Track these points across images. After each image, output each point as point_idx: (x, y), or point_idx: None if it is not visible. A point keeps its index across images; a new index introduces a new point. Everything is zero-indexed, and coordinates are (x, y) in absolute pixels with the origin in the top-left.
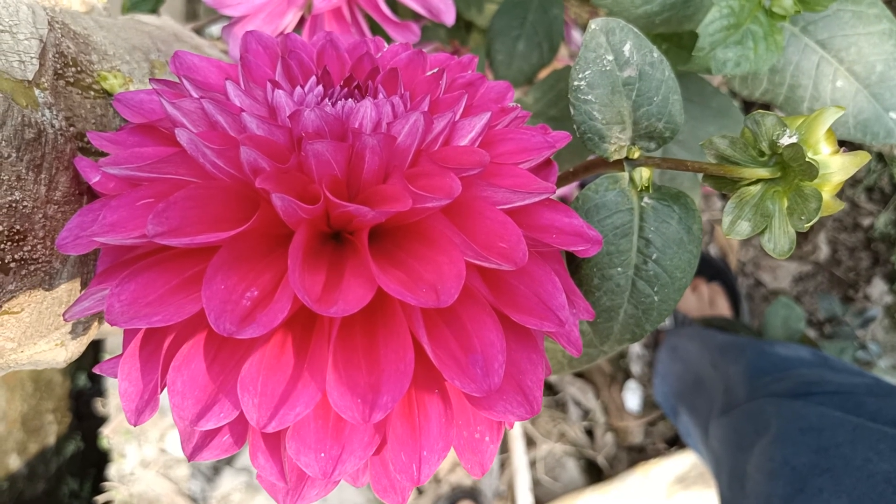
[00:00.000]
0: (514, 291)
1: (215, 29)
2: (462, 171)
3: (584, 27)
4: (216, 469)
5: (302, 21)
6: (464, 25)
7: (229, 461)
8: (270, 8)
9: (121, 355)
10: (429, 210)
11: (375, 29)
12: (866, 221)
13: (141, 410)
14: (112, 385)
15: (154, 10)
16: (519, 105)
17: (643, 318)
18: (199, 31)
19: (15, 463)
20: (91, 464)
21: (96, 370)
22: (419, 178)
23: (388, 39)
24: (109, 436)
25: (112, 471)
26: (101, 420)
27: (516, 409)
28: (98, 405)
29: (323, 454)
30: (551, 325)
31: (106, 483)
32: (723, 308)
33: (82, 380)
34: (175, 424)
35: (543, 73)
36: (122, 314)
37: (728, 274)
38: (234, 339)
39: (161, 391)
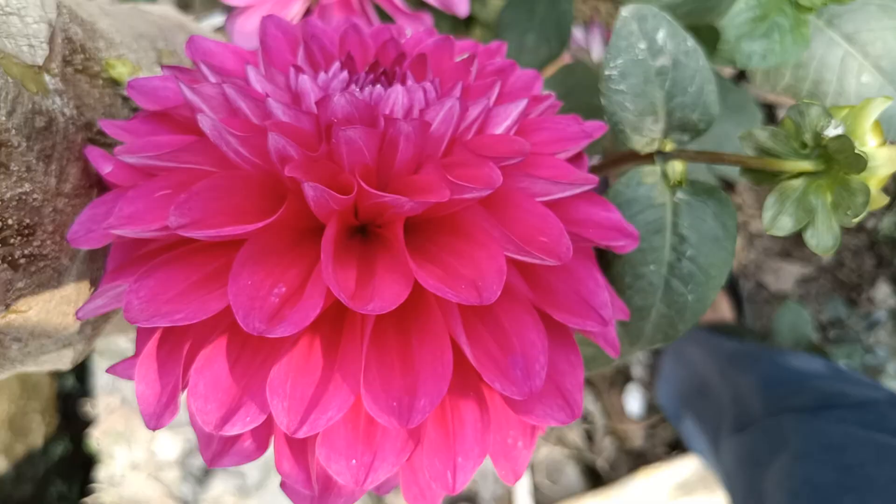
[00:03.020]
0: (554, 289)
1: (210, 22)
2: (500, 160)
3: (584, 23)
4: (207, 472)
5: (307, 13)
6: (464, 19)
7: None
8: None
9: (135, 357)
10: (466, 202)
11: (385, 20)
12: (870, 223)
13: (160, 415)
14: (100, 387)
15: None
16: (553, 93)
17: (676, 319)
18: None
19: (1, 465)
20: (79, 466)
21: (109, 371)
22: (455, 168)
23: None
24: (98, 437)
25: (101, 473)
26: (89, 422)
27: (556, 412)
28: (86, 406)
29: (354, 461)
30: (594, 324)
31: (94, 485)
32: (725, 310)
33: (70, 381)
34: (193, 429)
35: (550, 70)
36: (142, 311)
37: (730, 276)
38: (257, 340)
39: (181, 394)
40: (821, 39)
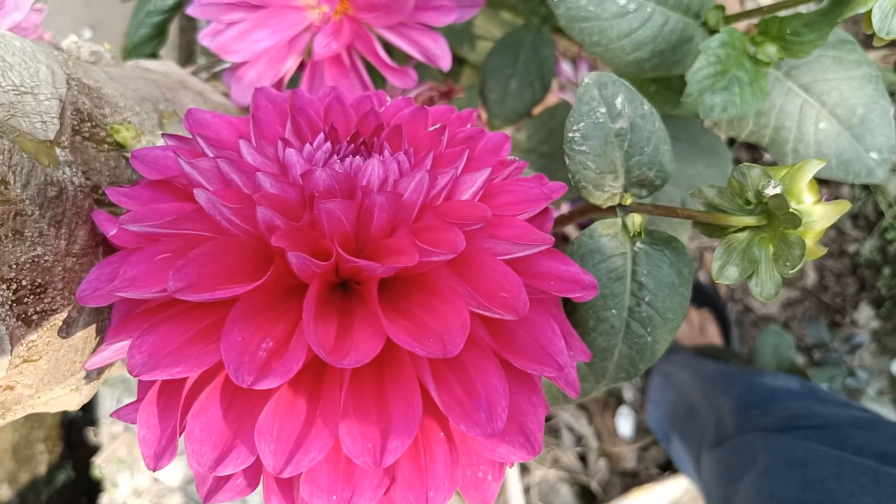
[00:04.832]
0: (515, 338)
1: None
2: (465, 225)
3: (573, 59)
4: None
5: (302, 66)
6: (455, 62)
7: None
8: (271, 54)
9: (138, 401)
10: (434, 263)
11: (373, 73)
12: (852, 248)
13: (160, 456)
14: (104, 414)
15: (154, 54)
16: (517, 158)
17: (637, 358)
18: (195, 73)
19: (5, 493)
20: (82, 493)
21: (114, 416)
22: (424, 233)
23: (384, 82)
24: (101, 465)
25: (104, 500)
26: (93, 449)
27: (518, 450)
28: (90, 434)
29: (335, 497)
30: (551, 370)
31: None
32: (713, 334)
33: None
34: (190, 467)
35: (536, 110)
36: (144, 365)
37: (718, 300)
38: (247, 389)
39: (179, 437)
40: (780, 89)
